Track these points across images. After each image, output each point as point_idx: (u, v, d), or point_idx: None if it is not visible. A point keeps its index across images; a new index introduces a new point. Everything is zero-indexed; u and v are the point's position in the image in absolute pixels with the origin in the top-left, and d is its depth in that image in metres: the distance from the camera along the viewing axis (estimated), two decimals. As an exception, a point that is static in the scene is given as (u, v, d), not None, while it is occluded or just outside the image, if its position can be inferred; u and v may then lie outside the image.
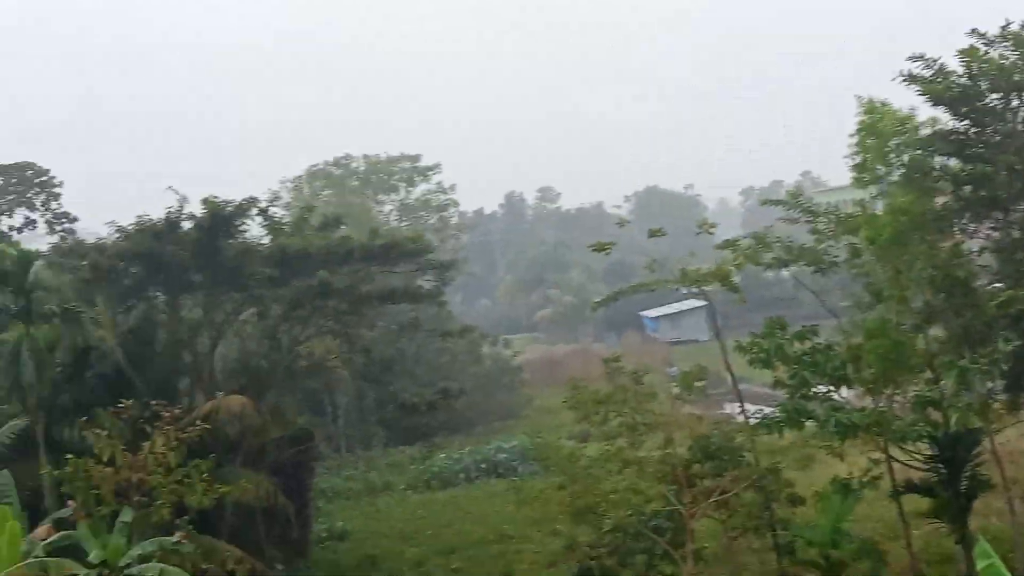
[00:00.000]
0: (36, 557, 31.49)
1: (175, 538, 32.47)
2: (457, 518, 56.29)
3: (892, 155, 31.75)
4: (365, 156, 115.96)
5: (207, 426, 35.79)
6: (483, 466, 67.97)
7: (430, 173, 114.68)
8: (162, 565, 31.68)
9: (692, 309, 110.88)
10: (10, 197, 72.26)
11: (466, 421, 79.94)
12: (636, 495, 33.31)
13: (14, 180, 72.46)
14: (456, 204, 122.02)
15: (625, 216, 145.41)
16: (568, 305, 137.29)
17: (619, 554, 33.92)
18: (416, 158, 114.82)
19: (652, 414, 33.31)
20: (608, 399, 33.54)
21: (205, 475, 33.82)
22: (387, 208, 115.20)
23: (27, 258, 39.59)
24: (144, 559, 32.20)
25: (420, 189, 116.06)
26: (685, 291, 41.53)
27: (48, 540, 33.05)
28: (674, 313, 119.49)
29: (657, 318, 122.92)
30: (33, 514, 35.54)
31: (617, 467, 33.57)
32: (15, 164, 73.20)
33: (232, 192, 43.57)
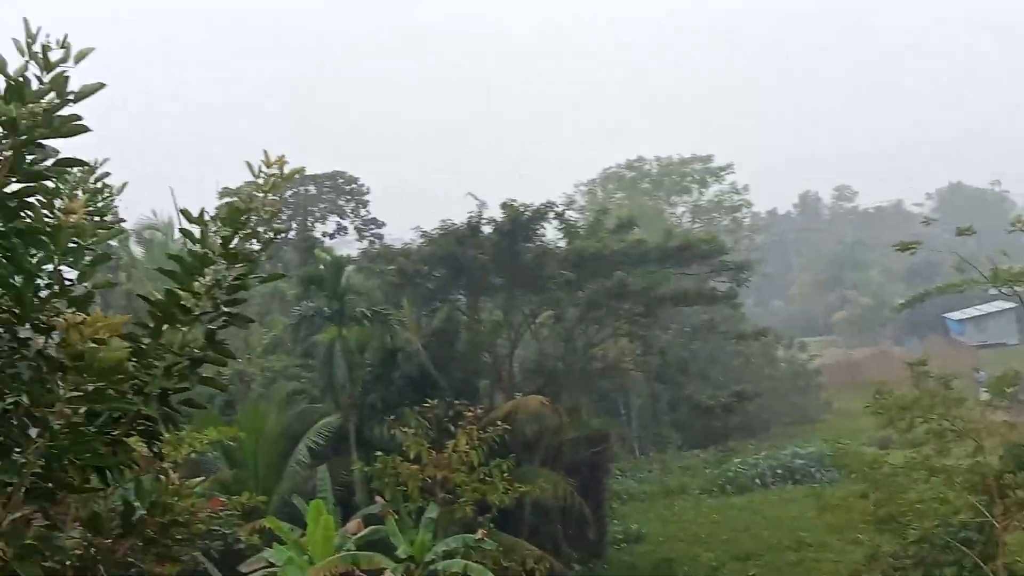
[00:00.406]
0: (348, 550, 33.03)
1: (478, 535, 33.32)
2: (753, 523, 55.29)
3: None
4: (657, 158, 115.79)
5: (507, 426, 36.54)
6: (779, 471, 66.47)
7: (723, 174, 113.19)
8: (466, 561, 32.60)
9: (1000, 311, 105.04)
10: (323, 205, 76.03)
11: (761, 424, 78.45)
12: (943, 505, 31.79)
13: (327, 188, 76.19)
14: (749, 205, 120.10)
15: (928, 214, 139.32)
16: (866, 307, 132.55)
17: (924, 566, 32.48)
18: (708, 159, 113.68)
19: (961, 420, 31.77)
20: (914, 404, 32.14)
21: (506, 474, 34.59)
22: (679, 210, 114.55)
23: (340, 263, 41.61)
24: (448, 555, 33.25)
25: (713, 190, 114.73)
26: (995, 292, 39.37)
27: (359, 534, 34.60)
28: (980, 315, 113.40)
29: (962, 320, 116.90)
30: (345, 508, 37.27)
31: (923, 475, 32.13)
32: (328, 173, 76.86)
33: (523, 195, 44.62)
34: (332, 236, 74.14)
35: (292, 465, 39.03)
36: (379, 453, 35.22)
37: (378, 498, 35.81)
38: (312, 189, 74.93)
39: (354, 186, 77.02)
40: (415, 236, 48.39)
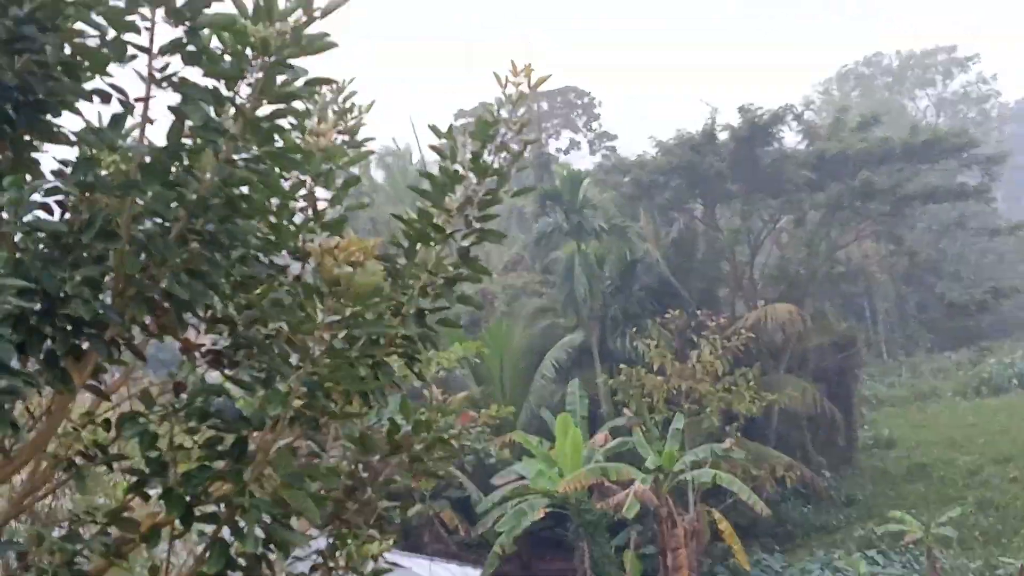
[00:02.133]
0: (596, 462, 33.42)
1: (725, 444, 33.18)
2: (1012, 425, 53.11)
3: None
4: (897, 52, 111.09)
5: (751, 335, 36.06)
6: (1038, 371, 63.74)
7: (969, 64, 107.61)
8: (714, 471, 32.54)
9: None
10: (556, 120, 76.20)
11: (1017, 323, 75.09)
12: None
13: (559, 104, 76.26)
14: (997, 94, 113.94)
15: None
16: None
17: None
18: (952, 49, 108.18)
19: None
20: None
21: (752, 382, 34.21)
22: (922, 104, 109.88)
23: (576, 178, 41.67)
24: (696, 465, 33.24)
25: (958, 81, 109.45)
26: None
27: (606, 446, 34.95)
28: None
29: None
30: (590, 421, 37.67)
31: None
32: (560, 88, 76.82)
33: (755, 98, 43.67)
34: (566, 152, 74.35)
35: (538, 380, 39.64)
36: (623, 365, 35.37)
37: (624, 410, 36.03)
38: (544, 105, 75.05)
39: (585, 100, 76.80)
40: (648, 148, 48.09)
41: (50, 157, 4.55)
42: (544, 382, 39.78)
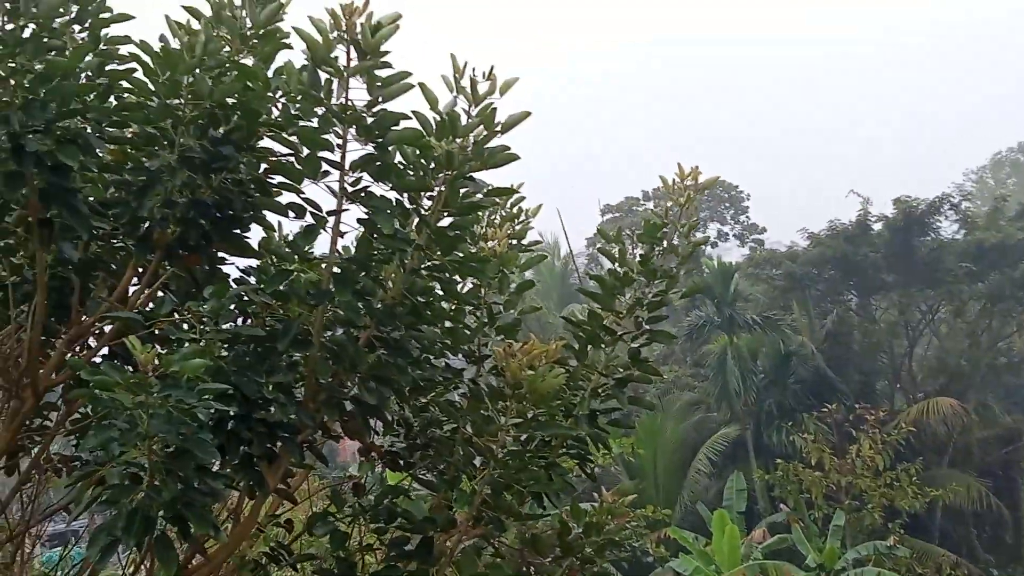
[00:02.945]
0: (754, 559, 32.67)
1: (889, 542, 32.14)
2: None
3: None
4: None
5: (912, 428, 35.12)
6: None
7: None
8: (878, 569, 31.47)
9: None
10: (704, 213, 76.00)
11: None
12: None
13: (706, 196, 76.06)
14: None
15: None
16: None
17: None
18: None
19: None
20: None
21: (914, 478, 33.19)
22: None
23: (727, 271, 41.43)
24: (859, 563, 32.21)
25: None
26: None
27: (765, 543, 34.15)
28: None
29: None
30: (747, 517, 36.90)
31: None
32: (707, 180, 76.56)
33: (898, 192, 43.13)
34: (714, 244, 73.97)
35: (692, 474, 39.11)
36: (779, 460, 34.70)
37: (782, 506, 35.25)
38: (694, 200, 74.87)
39: (733, 193, 76.54)
40: (797, 239, 47.66)
41: (233, 268, 4.81)
42: (698, 477, 39.23)
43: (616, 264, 5.51)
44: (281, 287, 4.44)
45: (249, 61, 4.56)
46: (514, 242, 5.86)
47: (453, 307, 5.18)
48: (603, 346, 5.47)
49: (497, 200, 5.28)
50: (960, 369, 45.01)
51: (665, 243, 5.53)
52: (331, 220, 4.54)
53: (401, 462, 5.31)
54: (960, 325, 46.01)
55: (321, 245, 4.66)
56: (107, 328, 4.73)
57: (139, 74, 4.47)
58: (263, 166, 4.64)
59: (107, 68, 4.59)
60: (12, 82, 4.04)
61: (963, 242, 43.15)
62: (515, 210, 5.99)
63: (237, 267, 4.78)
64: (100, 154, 4.46)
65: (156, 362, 3.61)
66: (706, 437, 40.58)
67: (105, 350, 4.76)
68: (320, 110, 4.35)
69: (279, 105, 4.49)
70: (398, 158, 4.50)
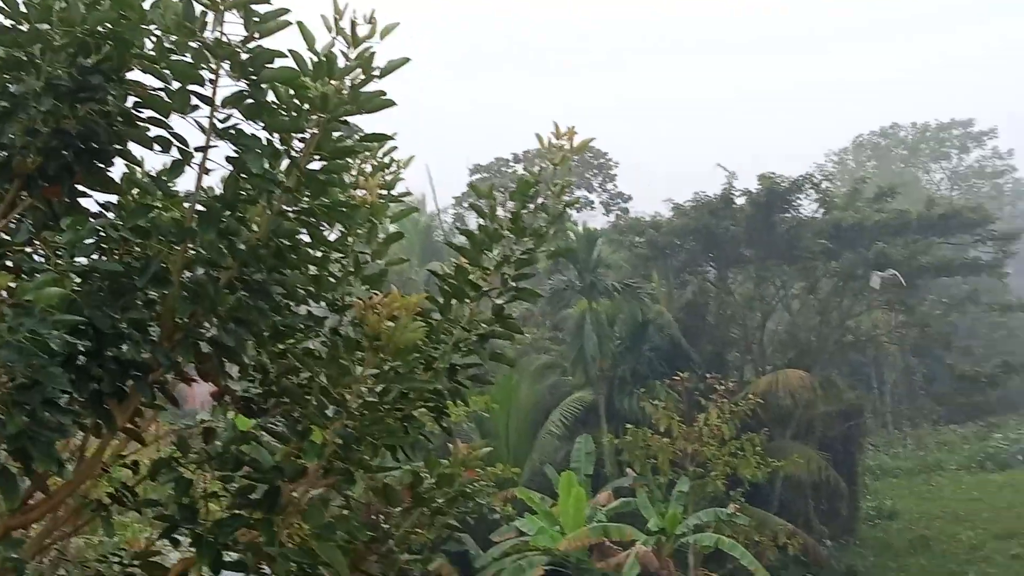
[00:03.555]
0: (598, 522, 33.22)
1: (729, 509, 32.98)
2: (1017, 502, 52.74)
3: None
4: (913, 124, 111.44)
5: (760, 400, 35.98)
6: (1045, 447, 63.53)
7: (985, 139, 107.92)
8: (717, 535, 32.33)
9: None
10: (571, 178, 76.12)
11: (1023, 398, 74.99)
12: None
13: (574, 162, 76.07)
14: (1013, 170, 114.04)
15: None
16: None
17: None
18: (969, 123, 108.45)
19: None
20: None
21: (758, 448, 34.06)
22: (936, 176, 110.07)
23: (591, 237, 41.72)
24: (699, 529, 33.03)
25: (973, 156, 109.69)
26: None
27: (609, 506, 34.73)
28: None
29: None
30: (594, 480, 37.45)
31: None
32: (582, 141, 76.68)
33: (763, 165, 43.99)
34: (580, 210, 74.37)
35: (543, 436, 39.48)
36: (629, 426, 35.24)
37: (628, 470, 35.88)
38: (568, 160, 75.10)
39: (602, 160, 77.00)
40: (662, 210, 48.37)
41: (92, 202, 4.65)
42: (549, 439, 39.59)
43: (486, 220, 5.48)
44: (142, 222, 4.31)
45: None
46: (384, 192, 5.78)
47: (319, 254, 5.09)
48: (467, 301, 5.44)
49: (370, 146, 5.19)
50: (809, 344, 46.32)
51: (536, 201, 5.52)
52: (198, 157, 4.42)
53: (255, 408, 5.22)
54: (812, 302, 47.26)
55: (186, 183, 4.55)
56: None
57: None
58: (132, 99, 4.49)
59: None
60: None
61: (821, 221, 44.23)
62: (387, 160, 5.90)
63: (97, 202, 4.64)
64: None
65: (9, 289, 3.49)
66: (560, 400, 40.98)
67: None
68: (194, 44, 4.23)
69: (153, 37, 4.34)
70: (271, 97, 4.40)
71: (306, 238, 4.81)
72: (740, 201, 43.81)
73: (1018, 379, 54.73)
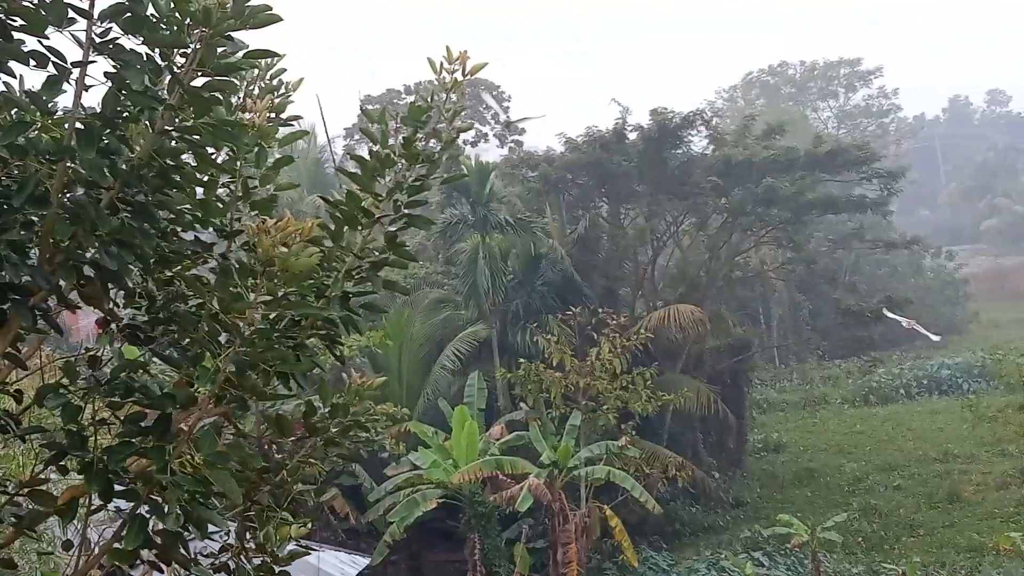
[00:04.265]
0: (491, 455, 33.48)
1: (620, 442, 33.49)
2: (898, 435, 54.59)
3: None
4: (802, 62, 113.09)
5: (651, 335, 36.40)
6: (925, 382, 65.45)
7: (871, 78, 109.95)
8: (608, 468, 32.85)
9: None
10: (464, 112, 75.84)
11: (906, 335, 76.84)
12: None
13: (468, 95, 75.90)
14: (898, 109, 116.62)
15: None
16: (1017, 214, 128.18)
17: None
18: (856, 62, 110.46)
19: None
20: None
21: (649, 382, 34.53)
22: (824, 115, 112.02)
23: (484, 171, 41.57)
24: (591, 461, 33.53)
25: (860, 95, 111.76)
26: None
27: (502, 439, 35.01)
28: None
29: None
30: (487, 414, 37.68)
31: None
32: (475, 65, 76.25)
33: (658, 101, 44.14)
34: (473, 143, 74.16)
35: (436, 371, 39.53)
36: (522, 360, 35.45)
37: (521, 404, 36.17)
38: (453, 95, 74.68)
39: (496, 92, 76.78)
40: (555, 144, 48.37)
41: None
42: (443, 373, 39.67)
43: (378, 145, 5.37)
44: (18, 140, 4.13)
45: None
46: (273, 115, 5.63)
47: (206, 177, 4.94)
48: (360, 228, 5.34)
49: (255, 63, 5.03)
50: (698, 280, 46.94)
51: (429, 127, 5.43)
52: (76, 72, 4.23)
53: (141, 336, 5.08)
54: (702, 238, 47.84)
55: (65, 101, 4.37)
56: None
57: None
58: (4, 10, 4.27)
59: None
60: None
61: (711, 157, 44.66)
62: (275, 82, 5.75)
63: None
64: None
65: None
66: (453, 334, 41.04)
67: None
68: (68, -47, 4.04)
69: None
70: (151, 11, 4.23)
71: (192, 160, 4.67)
72: (632, 136, 44.00)
73: (900, 314, 56.22)
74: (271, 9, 4.31)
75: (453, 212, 42.12)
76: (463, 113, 5.71)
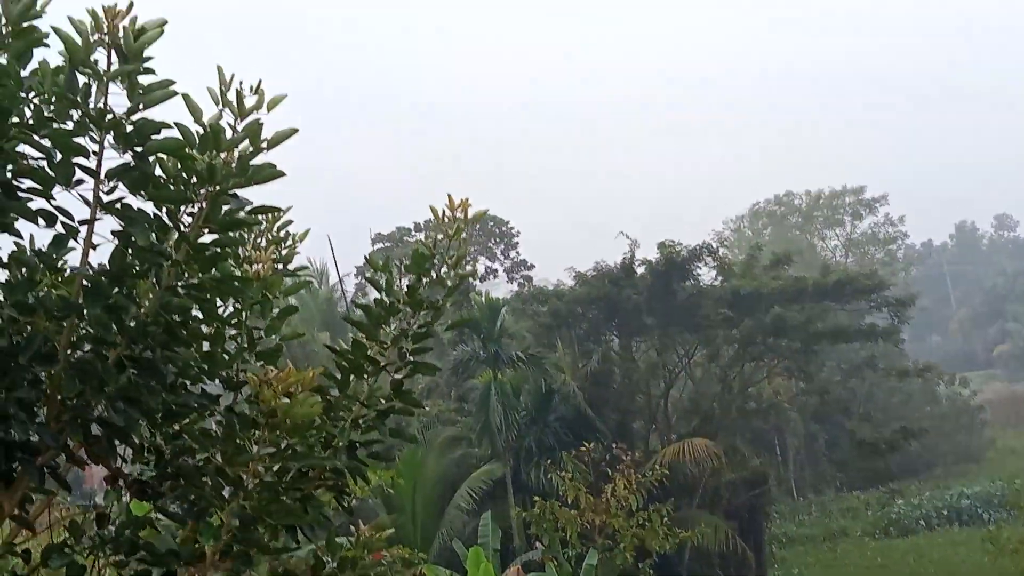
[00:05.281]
0: (507, 597, 32.92)
1: (639, 581, 32.94)
2: (919, 568, 53.51)
3: None
4: (807, 192, 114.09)
5: (666, 471, 36.10)
6: (945, 512, 64.45)
7: (877, 205, 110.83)
8: (627, 606, 32.26)
9: None
10: (474, 248, 76.81)
11: (923, 464, 76.29)
12: None
13: (477, 231, 77.03)
14: (905, 236, 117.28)
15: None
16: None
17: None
18: (860, 190, 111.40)
19: None
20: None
21: (665, 518, 34.06)
22: (831, 243, 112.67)
23: (494, 306, 41.77)
24: (609, 601, 32.93)
25: (866, 222, 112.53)
26: None
27: (518, 580, 34.45)
28: None
29: None
30: (503, 554, 37.12)
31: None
32: (476, 212, 77.40)
33: (668, 235, 44.61)
34: (483, 279, 74.74)
35: (451, 511, 39.11)
36: (537, 498, 35.07)
37: (537, 544, 35.64)
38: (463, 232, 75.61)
39: (504, 229, 77.63)
40: (565, 278, 48.73)
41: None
42: (458, 513, 39.25)
43: (383, 293, 5.43)
44: (27, 298, 4.18)
45: (1, 59, 4.29)
46: (279, 266, 5.71)
47: (212, 330, 4.99)
48: (366, 376, 5.37)
49: (261, 219, 5.13)
50: (712, 412, 46.64)
51: (432, 274, 5.49)
52: (83, 230, 4.31)
53: (149, 491, 5.07)
54: (714, 369, 47.72)
55: (73, 259, 4.44)
56: None
57: None
58: (12, 170, 4.37)
59: None
60: None
61: (720, 288, 44.83)
62: (282, 233, 5.84)
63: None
64: None
65: None
66: (467, 473, 40.70)
67: None
68: (76, 113, 4.14)
69: (32, 106, 4.24)
70: (158, 170, 4.32)
71: (198, 313, 4.72)
72: (641, 270, 44.31)
73: (916, 444, 55.70)
74: (275, 166, 4.40)
75: (464, 349, 42.22)
76: (472, 250, 5.76)
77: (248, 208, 4.51)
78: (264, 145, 4.40)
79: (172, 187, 4.33)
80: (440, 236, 5.61)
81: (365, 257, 5.67)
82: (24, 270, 4.41)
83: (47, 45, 4.31)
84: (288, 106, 4.51)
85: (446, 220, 5.63)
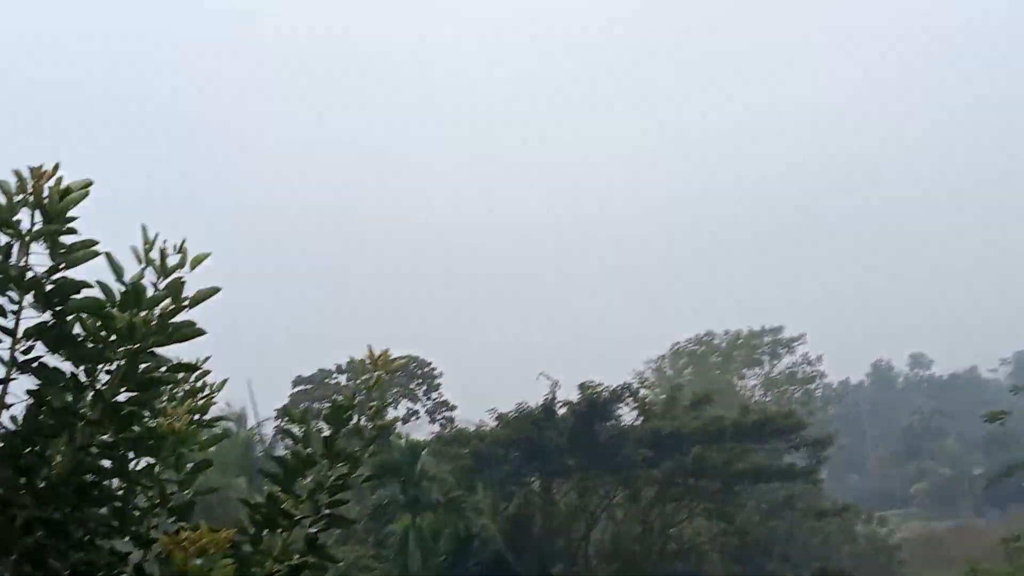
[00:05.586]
0: None
1: None
2: None
3: None
4: (726, 332, 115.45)
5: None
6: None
7: (794, 345, 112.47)
8: None
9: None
10: (395, 389, 76.11)
11: (847, 601, 75.90)
12: None
13: (399, 372, 76.26)
14: (822, 376, 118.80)
15: (1002, 380, 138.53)
16: (945, 477, 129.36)
17: None
18: (779, 330, 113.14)
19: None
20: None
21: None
22: (750, 383, 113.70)
23: (415, 449, 41.45)
24: None
25: (784, 362, 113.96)
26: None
27: None
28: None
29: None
30: None
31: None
32: (397, 362, 77.00)
33: (588, 373, 44.79)
34: (404, 421, 74.06)
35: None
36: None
37: None
38: (384, 374, 75.08)
39: (426, 369, 77.32)
40: (487, 418, 48.57)
41: None
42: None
43: (299, 445, 5.40)
44: (-67, 459, 4.12)
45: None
46: (195, 417, 5.65)
47: (123, 487, 4.91)
48: (280, 531, 5.29)
49: (179, 376, 5.10)
50: (634, 554, 46.34)
51: (351, 424, 5.47)
52: (-4, 390, 4.27)
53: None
54: (635, 510, 47.55)
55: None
56: None
57: None
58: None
59: None
60: None
61: (641, 429, 44.99)
62: (199, 384, 5.80)
63: None
64: None
65: None
66: (385, 621, 39.86)
67: None
68: (-5, 274, 4.14)
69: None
70: (78, 328, 4.31)
71: (110, 470, 4.65)
72: (562, 411, 44.38)
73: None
74: (194, 324, 4.41)
75: (384, 493, 41.66)
76: (395, 391, 5.76)
77: (166, 367, 4.50)
78: (186, 303, 4.42)
79: (91, 345, 4.31)
80: (359, 384, 5.61)
81: (283, 409, 5.67)
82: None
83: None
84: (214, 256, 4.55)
85: (365, 370, 5.64)
